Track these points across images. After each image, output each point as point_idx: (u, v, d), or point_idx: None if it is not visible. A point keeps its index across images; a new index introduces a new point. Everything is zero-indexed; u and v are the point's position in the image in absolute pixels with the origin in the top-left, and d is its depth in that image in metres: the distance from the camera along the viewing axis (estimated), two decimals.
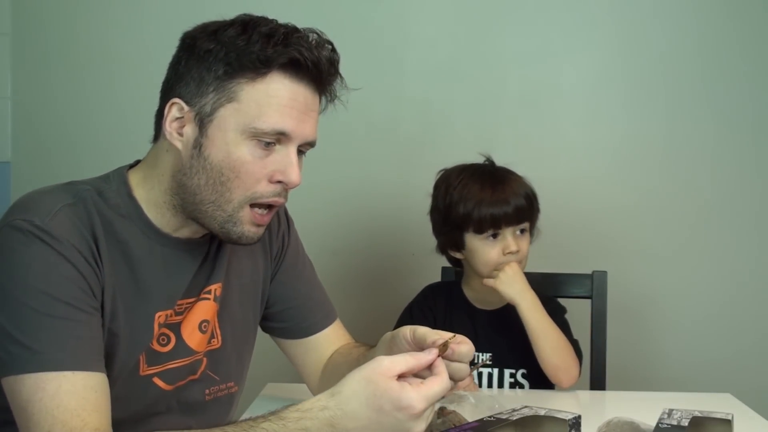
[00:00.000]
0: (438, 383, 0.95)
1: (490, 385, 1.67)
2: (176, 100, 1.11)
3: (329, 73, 1.12)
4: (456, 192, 1.70)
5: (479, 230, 1.69)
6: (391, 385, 0.92)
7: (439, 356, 1.00)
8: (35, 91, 2.39)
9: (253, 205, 1.12)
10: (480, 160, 1.77)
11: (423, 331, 1.13)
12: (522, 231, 1.70)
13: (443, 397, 1.33)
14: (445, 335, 1.08)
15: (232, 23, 1.10)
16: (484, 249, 1.69)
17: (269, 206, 1.14)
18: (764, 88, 2.34)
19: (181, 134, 1.11)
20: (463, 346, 1.09)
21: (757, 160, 2.35)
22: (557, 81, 2.35)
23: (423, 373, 0.99)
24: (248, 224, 1.13)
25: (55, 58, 2.38)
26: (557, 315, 1.74)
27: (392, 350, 1.17)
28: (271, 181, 1.11)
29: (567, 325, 1.76)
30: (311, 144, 1.15)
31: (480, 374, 1.71)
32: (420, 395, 0.92)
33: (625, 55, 2.34)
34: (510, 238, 1.68)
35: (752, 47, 2.33)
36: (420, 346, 1.11)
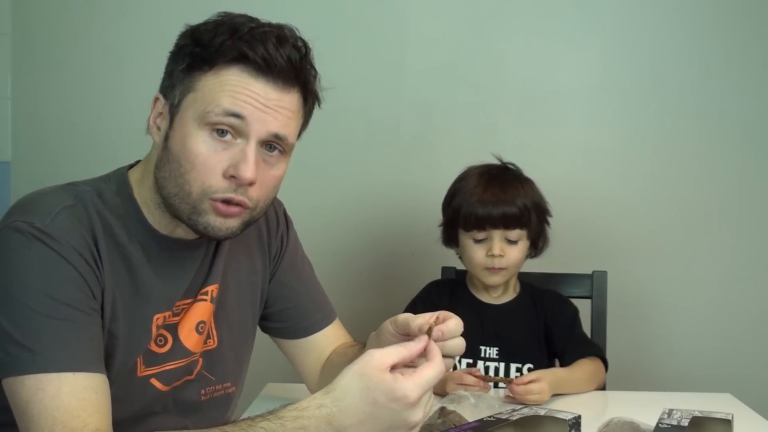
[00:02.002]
0: (431, 368, 0.94)
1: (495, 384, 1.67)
2: (158, 95, 1.14)
3: (284, 70, 1.09)
4: (459, 185, 1.71)
5: (465, 228, 1.69)
6: (384, 377, 0.91)
7: (429, 341, 0.98)
8: (35, 91, 2.39)
9: (212, 200, 1.09)
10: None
11: (404, 317, 1.11)
12: (511, 241, 1.68)
13: (444, 396, 1.33)
14: (428, 317, 1.06)
15: (210, 21, 1.11)
16: (471, 248, 1.70)
17: (236, 203, 1.10)
18: (763, 88, 2.34)
19: (159, 128, 1.13)
20: (450, 322, 1.06)
21: (758, 159, 2.35)
22: (557, 81, 2.35)
23: (417, 361, 0.97)
24: (212, 214, 1.09)
25: (55, 58, 2.38)
26: (575, 319, 1.74)
27: (379, 345, 1.15)
28: (225, 176, 1.08)
29: (581, 326, 1.76)
30: (280, 138, 1.10)
31: (486, 368, 1.71)
32: (414, 384, 0.91)
33: (625, 55, 2.34)
34: (496, 241, 1.66)
35: (753, 46, 2.33)
36: (405, 333, 1.10)
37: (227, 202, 1.09)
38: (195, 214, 1.10)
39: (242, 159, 1.07)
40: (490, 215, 1.65)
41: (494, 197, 1.65)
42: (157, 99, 1.14)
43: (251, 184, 1.08)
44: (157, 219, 1.16)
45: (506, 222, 1.66)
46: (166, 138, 1.11)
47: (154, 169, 1.14)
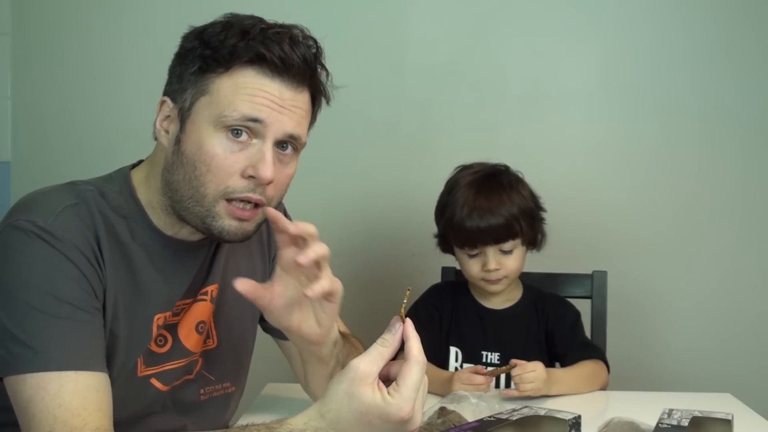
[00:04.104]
0: (411, 370, 0.93)
1: (497, 384, 1.67)
2: (165, 98, 1.13)
3: (300, 70, 1.10)
4: (448, 198, 1.70)
5: (457, 245, 1.69)
6: (373, 399, 0.91)
7: (405, 327, 0.96)
8: (35, 91, 2.38)
9: (229, 200, 1.10)
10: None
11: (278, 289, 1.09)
12: (506, 251, 1.66)
13: (444, 396, 1.33)
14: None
15: (217, 22, 1.11)
16: (467, 262, 1.69)
17: (253, 203, 1.11)
18: (764, 87, 2.34)
19: (167, 131, 1.13)
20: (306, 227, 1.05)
21: (758, 159, 2.35)
22: (557, 81, 2.35)
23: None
24: (227, 218, 1.10)
25: (55, 58, 2.37)
26: (576, 323, 1.74)
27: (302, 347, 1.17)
28: (243, 176, 1.09)
29: (583, 330, 1.76)
30: (294, 138, 1.12)
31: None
32: (402, 400, 0.91)
33: (625, 55, 2.34)
34: (490, 256, 1.66)
35: (754, 45, 2.33)
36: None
37: (246, 201, 1.10)
38: (209, 218, 1.10)
39: (261, 159, 1.08)
40: (480, 232, 1.64)
41: (481, 213, 1.63)
42: (163, 102, 1.14)
43: (269, 183, 1.10)
44: (162, 220, 1.16)
45: (496, 237, 1.65)
46: (178, 142, 1.11)
47: (163, 173, 1.13)
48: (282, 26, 1.11)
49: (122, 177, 1.17)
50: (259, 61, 1.08)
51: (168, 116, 1.13)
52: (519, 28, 2.35)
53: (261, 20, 1.11)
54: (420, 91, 2.36)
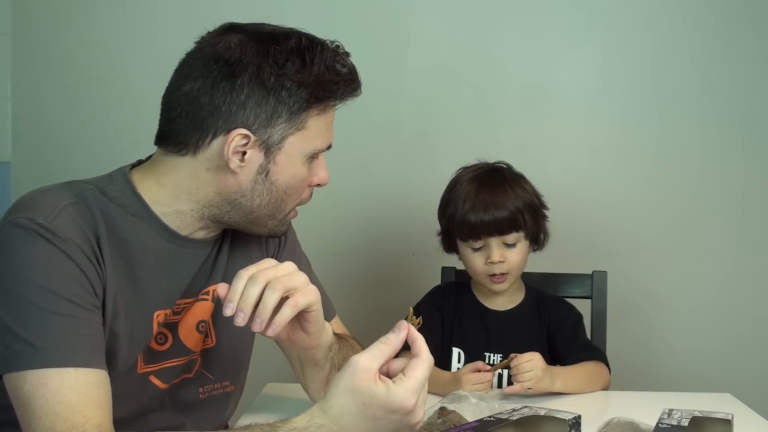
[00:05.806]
0: (420, 366, 0.93)
1: (500, 384, 1.67)
2: (242, 130, 1.10)
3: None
4: (451, 194, 1.71)
5: (461, 238, 1.69)
6: (377, 392, 0.91)
7: (410, 329, 0.96)
8: (35, 91, 2.38)
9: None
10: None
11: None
12: (509, 244, 1.67)
13: (446, 396, 1.33)
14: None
15: (288, 51, 1.11)
16: (470, 257, 1.69)
17: None
18: (765, 87, 2.34)
19: (242, 161, 1.13)
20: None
21: (759, 159, 2.35)
22: (557, 81, 2.35)
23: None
24: (289, 221, 1.25)
25: (55, 58, 2.37)
26: (578, 326, 1.74)
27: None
28: (311, 186, 1.22)
29: (585, 332, 1.76)
30: None
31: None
32: (407, 391, 0.91)
33: (626, 55, 2.35)
34: (494, 248, 1.66)
35: (754, 45, 2.33)
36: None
37: None
38: (281, 225, 1.23)
39: (320, 167, 1.21)
40: (484, 224, 1.64)
41: (485, 205, 1.64)
42: (238, 134, 1.10)
43: None
44: (184, 223, 1.17)
45: (500, 228, 1.65)
46: (265, 172, 1.14)
47: (230, 195, 1.15)
48: (344, 52, 1.20)
49: (123, 176, 1.17)
50: (350, 96, 1.19)
51: (242, 145, 1.11)
52: (519, 27, 2.35)
53: (325, 47, 1.15)
54: (420, 91, 2.36)
